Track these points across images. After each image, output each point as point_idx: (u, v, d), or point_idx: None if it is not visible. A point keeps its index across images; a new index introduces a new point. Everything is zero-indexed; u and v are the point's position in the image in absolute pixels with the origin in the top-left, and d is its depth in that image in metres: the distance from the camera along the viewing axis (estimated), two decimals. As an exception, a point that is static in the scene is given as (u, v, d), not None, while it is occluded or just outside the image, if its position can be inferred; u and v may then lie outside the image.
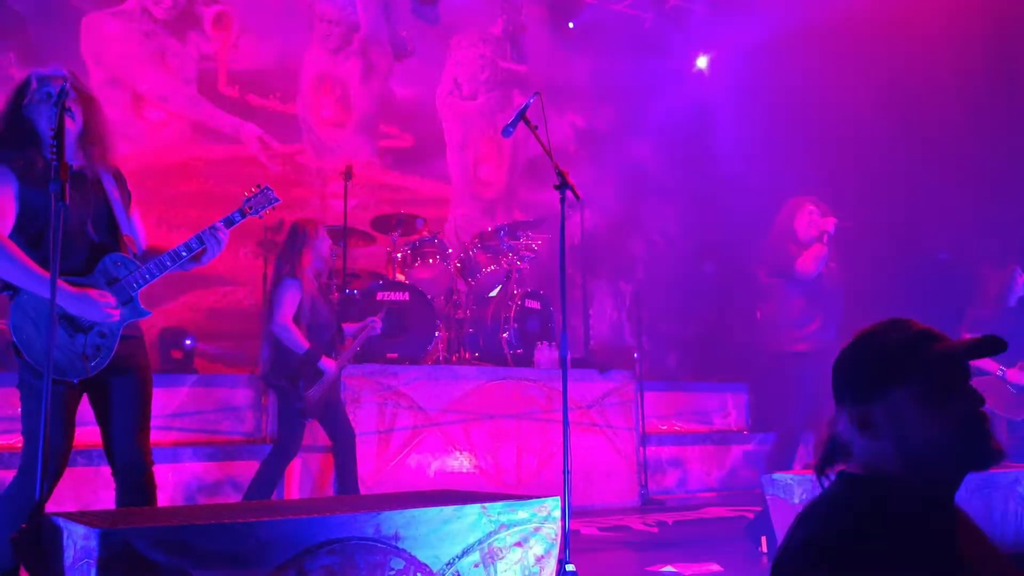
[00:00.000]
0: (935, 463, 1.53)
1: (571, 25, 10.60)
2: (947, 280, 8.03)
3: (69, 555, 2.58)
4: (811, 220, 5.77)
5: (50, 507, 3.13)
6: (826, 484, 1.65)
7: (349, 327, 5.68)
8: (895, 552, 1.44)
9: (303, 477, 6.06)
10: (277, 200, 4.00)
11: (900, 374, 1.55)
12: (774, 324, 5.79)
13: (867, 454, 1.58)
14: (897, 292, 8.06)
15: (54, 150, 3.10)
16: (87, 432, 5.89)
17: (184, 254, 3.71)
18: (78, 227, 3.47)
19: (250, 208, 3.91)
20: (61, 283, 3.21)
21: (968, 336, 1.74)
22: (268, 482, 5.25)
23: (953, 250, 8.51)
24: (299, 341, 5.24)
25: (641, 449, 7.37)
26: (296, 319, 5.27)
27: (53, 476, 3.39)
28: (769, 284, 5.85)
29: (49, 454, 3.09)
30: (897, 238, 8.73)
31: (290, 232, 5.48)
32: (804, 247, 5.71)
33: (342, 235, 6.96)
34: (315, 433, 5.73)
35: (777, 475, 4.87)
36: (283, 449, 5.32)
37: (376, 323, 5.59)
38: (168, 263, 3.67)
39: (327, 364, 5.27)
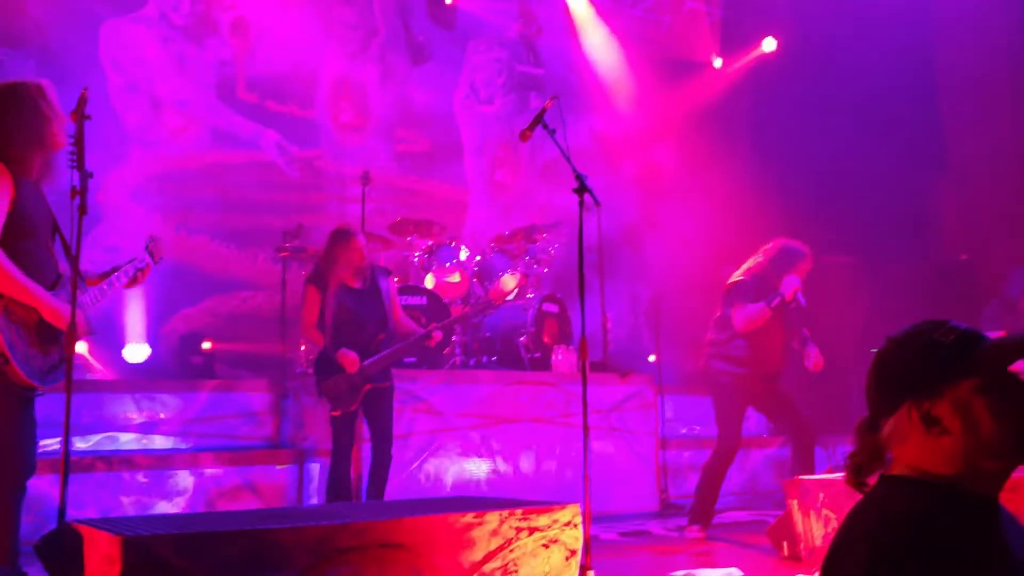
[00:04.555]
0: (999, 455, 1.53)
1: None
2: (968, 281, 7.98)
3: (92, 562, 2.59)
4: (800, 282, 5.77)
5: (72, 514, 3.14)
6: (866, 490, 1.63)
7: (412, 332, 5.66)
8: (959, 554, 1.43)
9: (320, 482, 6.06)
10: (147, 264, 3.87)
11: (966, 366, 1.54)
12: (716, 355, 5.90)
13: (924, 452, 1.55)
14: (919, 293, 8.01)
15: (74, 158, 3.12)
16: (108, 439, 5.95)
17: (116, 284, 3.69)
18: (48, 239, 3.43)
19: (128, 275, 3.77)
20: (51, 297, 3.26)
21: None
22: (335, 487, 5.32)
23: (974, 251, 8.46)
24: (316, 342, 5.37)
25: (661, 453, 7.33)
26: (321, 320, 5.34)
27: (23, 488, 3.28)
28: (723, 315, 5.88)
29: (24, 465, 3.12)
30: (919, 239, 8.67)
31: (328, 236, 5.58)
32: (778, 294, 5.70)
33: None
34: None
35: (799, 479, 4.84)
36: (334, 449, 5.38)
37: (436, 334, 5.58)
38: (106, 289, 3.64)
39: (345, 355, 5.27)
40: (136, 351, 7.68)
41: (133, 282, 3.77)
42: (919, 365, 1.58)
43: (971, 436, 1.52)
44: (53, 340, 3.34)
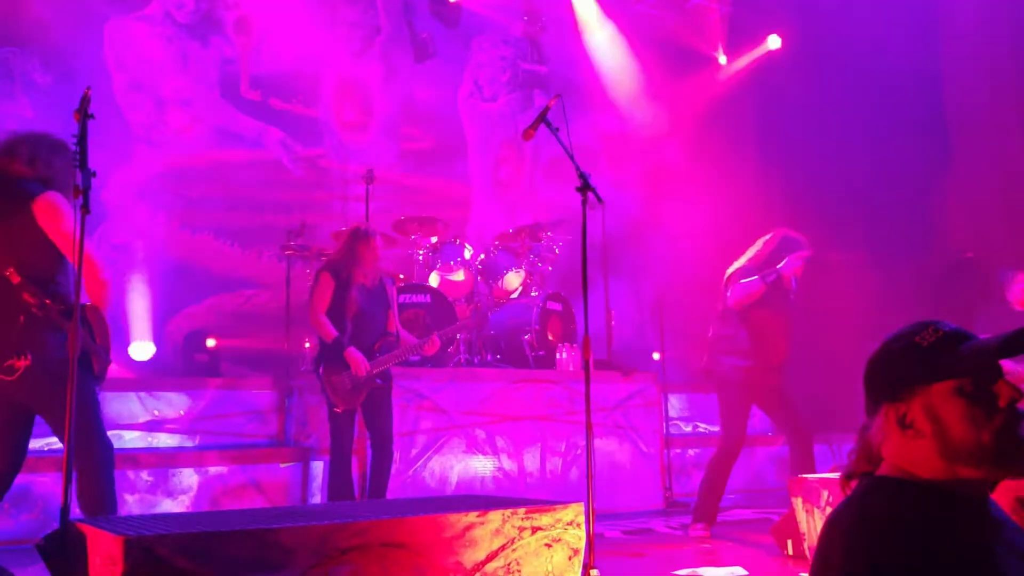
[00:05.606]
0: (976, 460, 1.50)
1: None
2: (974, 278, 7.96)
3: (94, 562, 2.59)
4: (803, 267, 5.77)
5: (76, 513, 3.15)
6: (852, 489, 1.62)
7: (410, 339, 5.71)
8: (934, 556, 1.42)
9: (324, 480, 6.07)
10: None
11: (937, 370, 1.53)
12: (721, 349, 5.86)
13: (905, 454, 1.55)
14: (923, 290, 7.99)
15: (77, 158, 3.12)
16: (113, 437, 5.93)
17: None
18: None
19: None
20: None
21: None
22: (337, 485, 5.34)
23: (979, 249, 8.43)
24: (326, 331, 5.36)
25: (665, 451, 7.33)
26: (331, 310, 5.37)
27: None
28: (726, 309, 5.86)
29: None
30: (924, 236, 8.65)
31: (350, 232, 5.66)
32: (777, 284, 5.69)
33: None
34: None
35: (803, 477, 4.83)
36: (332, 448, 5.40)
37: (436, 341, 5.62)
38: None
39: (354, 356, 5.29)
40: (142, 349, 7.70)
41: None
42: (895, 367, 1.58)
43: (941, 440, 1.51)
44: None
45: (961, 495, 1.52)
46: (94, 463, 3.60)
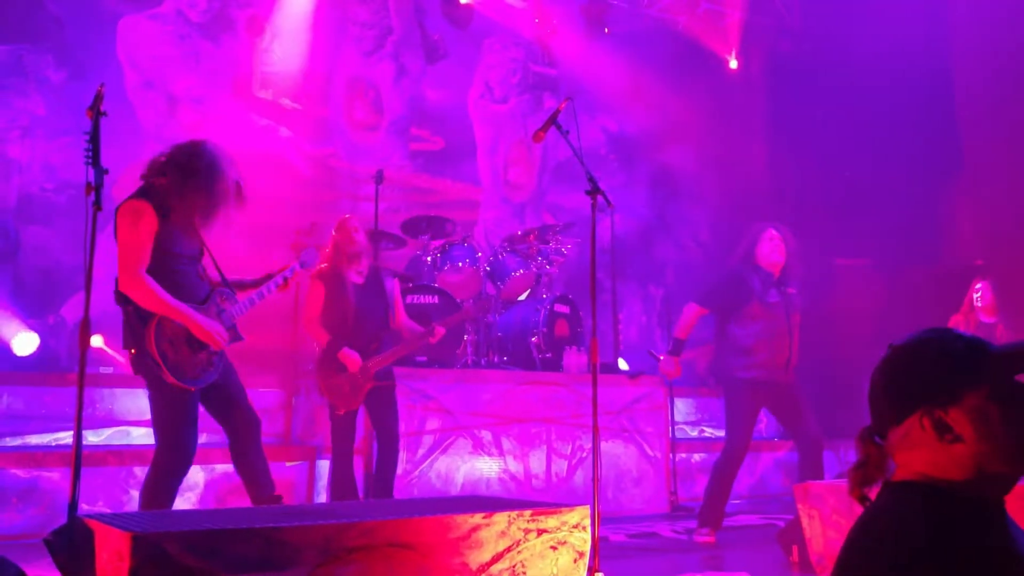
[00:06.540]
0: (1009, 462, 1.51)
1: (607, 30, 10.54)
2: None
3: (102, 557, 2.60)
4: (773, 246, 5.78)
5: (83, 508, 3.16)
6: (867, 503, 1.62)
7: (417, 329, 5.71)
8: (974, 557, 1.43)
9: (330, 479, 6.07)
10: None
11: (977, 374, 1.53)
12: (725, 351, 5.88)
13: (937, 459, 1.54)
14: (932, 297, 7.96)
15: (89, 155, 3.14)
16: (120, 434, 5.97)
17: (267, 293, 4.37)
18: (199, 259, 4.10)
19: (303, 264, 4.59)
20: (196, 313, 3.91)
21: None
22: (340, 485, 5.36)
23: (989, 256, 8.40)
24: (318, 336, 5.43)
25: (671, 455, 7.32)
26: (329, 313, 5.40)
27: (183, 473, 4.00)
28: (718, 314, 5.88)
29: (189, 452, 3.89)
30: (933, 242, 8.62)
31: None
32: (763, 277, 5.71)
33: (373, 238, 6.98)
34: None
35: (809, 484, 4.82)
36: (334, 450, 5.41)
37: (439, 330, 5.61)
38: (257, 299, 4.33)
39: (347, 354, 5.29)
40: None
41: (282, 288, 4.47)
42: (932, 373, 1.56)
43: (985, 443, 1.51)
44: (202, 346, 3.94)
45: (982, 497, 1.53)
46: (156, 463, 3.93)
